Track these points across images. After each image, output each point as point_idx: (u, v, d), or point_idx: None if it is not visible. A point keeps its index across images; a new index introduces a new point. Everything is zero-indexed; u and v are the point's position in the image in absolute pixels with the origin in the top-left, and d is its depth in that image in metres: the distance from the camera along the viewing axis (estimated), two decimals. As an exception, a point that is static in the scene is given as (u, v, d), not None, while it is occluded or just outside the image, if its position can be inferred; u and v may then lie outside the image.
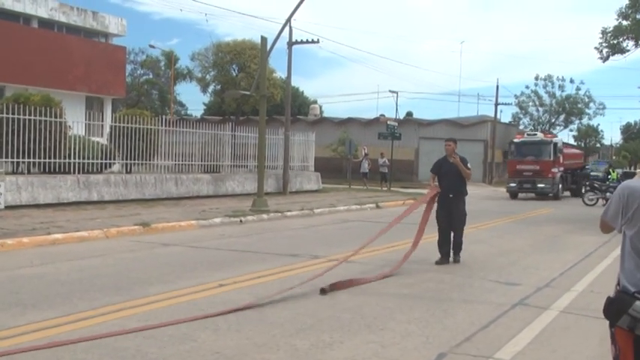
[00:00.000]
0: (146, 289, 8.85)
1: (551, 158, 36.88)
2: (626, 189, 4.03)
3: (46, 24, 33.87)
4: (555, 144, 37.85)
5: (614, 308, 3.90)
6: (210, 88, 52.88)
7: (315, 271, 10.59)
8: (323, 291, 9.06)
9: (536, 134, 40.49)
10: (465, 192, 12.79)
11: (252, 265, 11.13)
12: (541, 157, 36.82)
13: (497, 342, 7.04)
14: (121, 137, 22.30)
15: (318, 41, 31.39)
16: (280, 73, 48.70)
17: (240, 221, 17.81)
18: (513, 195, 37.31)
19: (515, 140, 38.49)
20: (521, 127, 72.50)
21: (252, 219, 18.39)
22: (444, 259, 12.24)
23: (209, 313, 7.60)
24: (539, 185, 36.19)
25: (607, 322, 8.60)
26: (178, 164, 25.24)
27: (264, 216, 19.02)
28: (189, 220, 16.79)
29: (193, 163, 25.69)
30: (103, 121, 25.81)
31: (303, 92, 79.82)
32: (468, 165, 12.72)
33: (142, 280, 9.43)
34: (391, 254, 12.67)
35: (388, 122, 40.88)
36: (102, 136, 23.88)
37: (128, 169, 23.01)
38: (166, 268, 10.61)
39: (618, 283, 4.02)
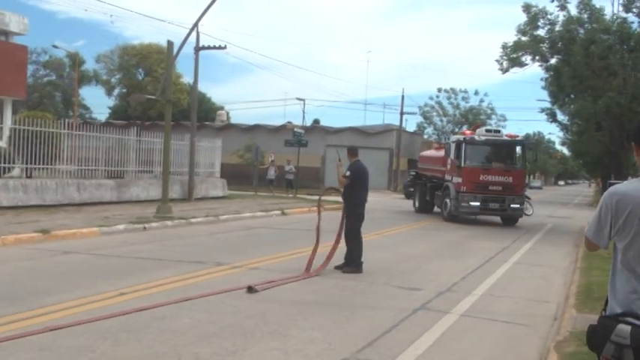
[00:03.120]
0: (44, 299, 8.57)
1: (524, 167, 27.25)
2: (615, 195, 3.50)
3: (-60, 20, 32.43)
4: (525, 146, 27.64)
5: (597, 337, 3.46)
6: (116, 92, 51.94)
7: (218, 278, 10.57)
8: (250, 289, 9.59)
9: (499, 131, 27.75)
10: (349, 203, 12.55)
11: (154, 272, 10.95)
12: (512, 164, 25.95)
13: (399, 346, 7.16)
14: (22, 140, 21.54)
15: (225, 47, 31.21)
16: (187, 78, 48.33)
17: (144, 228, 17.49)
18: (451, 217, 25.68)
19: (476, 137, 25.96)
20: (425, 137, 73.91)
21: (156, 226, 18.10)
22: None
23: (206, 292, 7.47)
24: (512, 205, 25.16)
25: (504, 325, 8.92)
26: (81, 169, 24.56)
27: (169, 223, 18.73)
28: (92, 226, 16.37)
29: (97, 168, 25.06)
30: (2, 123, 24.88)
31: (210, 98, 79.42)
32: (346, 173, 12.51)
33: (40, 290, 9.13)
34: (295, 261, 12.69)
35: (295, 129, 41.02)
36: (1, 139, 23.03)
37: (28, 174, 22.24)
38: (66, 276, 10.32)
39: (604, 308, 3.58)
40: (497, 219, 26.58)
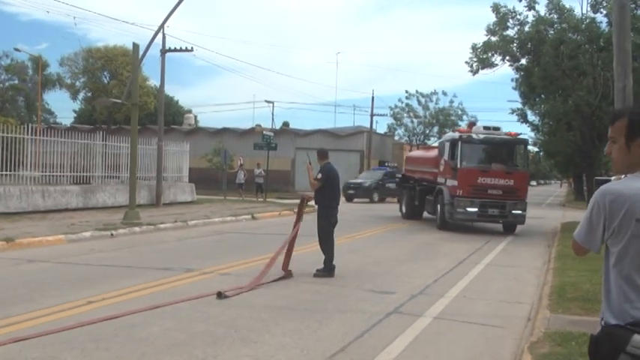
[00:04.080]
0: (9, 309, 8.45)
1: (527, 169, 24.50)
2: (608, 194, 3.18)
3: None
4: (527, 144, 25.60)
5: (607, 348, 3.09)
6: (81, 95, 51.56)
7: (188, 284, 10.52)
8: (220, 294, 9.64)
9: (499, 129, 24.47)
10: (321, 205, 12.67)
11: (123, 280, 10.86)
12: (514, 165, 23.59)
13: (372, 351, 7.17)
14: (-17, 147, 21.33)
15: (192, 49, 31.11)
16: (154, 81, 48.13)
17: (112, 235, 17.36)
18: (444, 224, 23.53)
19: (473, 136, 23.37)
20: (396, 139, 74.04)
21: (124, 232, 17.96)
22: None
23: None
24: (514, 211, 22.88)
25: (478, 327, 8.95)
26: (46, 175, 24.33)
27: (137, 229, 18.61)
28: (57, 234, 16.20)
29: (62, 174, 24.83)
30: (-38, 129, 24.55)
31: (177, 101, 79.15)
32: (318, 175, 12.62)
33: (4, 300, 9.00)
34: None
35: (264, 132, 40.89)
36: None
37: (-10, 181, 22.01)
38: (31, 286, 10.18)
39: (602, 318, 3.24)
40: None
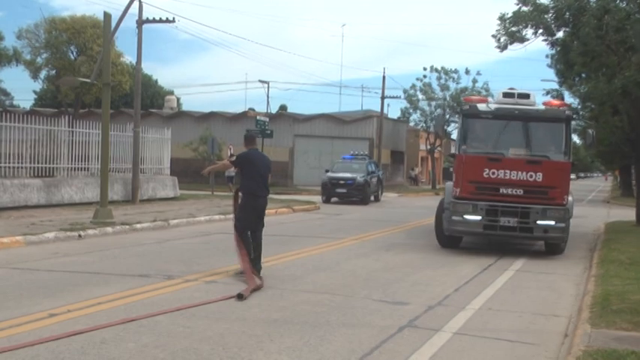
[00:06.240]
0: (-43, 321, 8.47)
1: (568, 157, 17.92)
2: None
3: None
4: (570, 121, 18.68)
5: None
6: (43, 74, 51.36)
7: (169, 294, 10.51)
8: (240, 296, 10.26)
9: (528, 96, 18.74)
10: (242, 192, 13.72)
11: (92, 289, 10.86)
12: (545, 151, 17.81)
13: (382, 372, 7.17)
14: None
15: (173, 20, 31.17)
16: (129, 58, 47.99)
17: (79, 236, 17.38)
18: (449, 243, 18.53)
19: (480, 107, 18.25)
20: (411, 125, 73.65)
21: (94, 233, 17.99)
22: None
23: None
24: (541, 222, 17.20)
25: (506, 343, 8.98)
26: (1, 167, 24.34)
27: (109, 229, 18.64)
28: (14, 235, 16.21)
29: (21, 165, 24.82)
30: None
31: (157, 81, 79.08)
32: (232, 157, 14.14)
33: (-47, 311, 9.02)
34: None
35: (258, 117, 40.89)
36: None
37: (-63, 174, 22.03)
38: (-16, 295, 10.20)
39: None
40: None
